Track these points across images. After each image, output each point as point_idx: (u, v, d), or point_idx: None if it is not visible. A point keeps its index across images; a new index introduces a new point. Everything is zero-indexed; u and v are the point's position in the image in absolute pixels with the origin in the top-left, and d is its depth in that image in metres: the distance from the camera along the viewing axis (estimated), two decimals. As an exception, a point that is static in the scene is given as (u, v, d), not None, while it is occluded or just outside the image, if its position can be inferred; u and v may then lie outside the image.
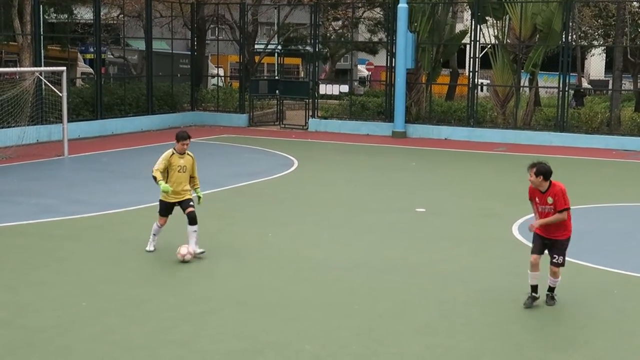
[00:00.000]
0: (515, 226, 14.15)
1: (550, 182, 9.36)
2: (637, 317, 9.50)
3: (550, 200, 9.27)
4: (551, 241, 9.43)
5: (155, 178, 11.44)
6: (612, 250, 12.76)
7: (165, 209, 11.74)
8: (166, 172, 11.51)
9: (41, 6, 26.68)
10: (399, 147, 26.71)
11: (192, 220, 11.47)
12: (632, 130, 28.11)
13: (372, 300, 9.83)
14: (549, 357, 8.15)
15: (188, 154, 11.68)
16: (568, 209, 9.31)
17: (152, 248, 11.99)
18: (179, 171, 11.52)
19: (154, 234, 11.99)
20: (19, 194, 16.69)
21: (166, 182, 11.46)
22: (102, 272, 10.90)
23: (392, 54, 30.42)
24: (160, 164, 11.49)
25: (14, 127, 23.09)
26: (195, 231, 11.51)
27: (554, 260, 9.42)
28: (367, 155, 24.49)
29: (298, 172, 20.52)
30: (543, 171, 9.33)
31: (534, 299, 9.51)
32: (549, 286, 9.59)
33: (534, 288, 9.52)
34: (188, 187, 11.71)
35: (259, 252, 12.13)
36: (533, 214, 9.79)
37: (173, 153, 11.58)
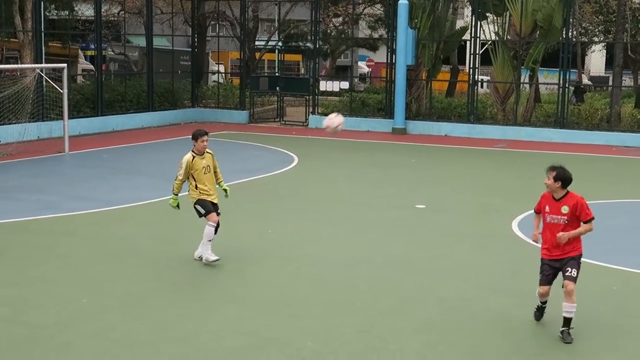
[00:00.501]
0: (516, 222, 14.18)
1: (567, 191, 8.48)
2: (637, 314, 9.52)
3: (565, 209, 8.38)
4: (564, 260, 8.47)
5: (173, 189, 10.98)
6: (612, 247, 12.77)
7: (210, 205, 10.94)
8: (192, 178, 10.93)
9: (42, 3, 26.68)
10: (399, 144, 26.73)
11: (216, 228, 11.07)
12: (632, 127, 28.15)
13: (373, 297, 9.86)
14: (549, 354, 8.18)
15: (207, 151, 11.09)
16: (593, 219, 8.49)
17: (215, 257, 10.97)
18: (205, 173, 10.94)
19: (210, 240, 10.95)
20: (19, 190, 16.72)
21: (196, 187, 10.87)
22: (102, 269, 10.92)
23: (392, 51, 30.44)
24: (182, 173, 10.88)
25: (15, 124, 23.11)
26: (211, 240, 11.02)
27: (568, 274, 8.38)
28: (367, 152, 24.51)
29: (298, 169, 20.55)
30: (562, 177, 8.39)
31: (542, 309, 8.92)
32: (565, 318, 8.50)
33: (543, 303, 8.93)
34: (215, 186, 11.20)
35: (259, 249, 12.14)
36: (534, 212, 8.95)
37: (193, 157, 10.94)
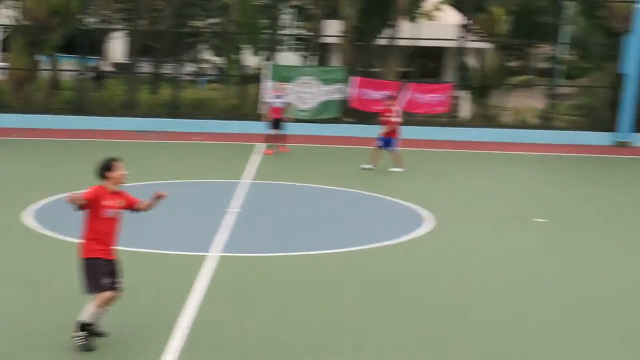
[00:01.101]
0: (30, 213, 13.91)
1: None
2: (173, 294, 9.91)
3: (122, 202, 7.93)
4: (115, 263, 7.91)
5: None
6: (144, 230, 12.52)
7: None
8: None
9: None
10: None
11: None
12: (150, 112, 29.18)
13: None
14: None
15: None
16: None
17: None
18: None
19: None
20: None
21: None
22: None
23: None
24: None
25: None
26: None
27: (122, 285, 7.97)
28: None
29: None
30: None
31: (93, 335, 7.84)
32: (89, 323, 7.81)
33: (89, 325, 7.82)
34: None
35: None
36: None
37: None
